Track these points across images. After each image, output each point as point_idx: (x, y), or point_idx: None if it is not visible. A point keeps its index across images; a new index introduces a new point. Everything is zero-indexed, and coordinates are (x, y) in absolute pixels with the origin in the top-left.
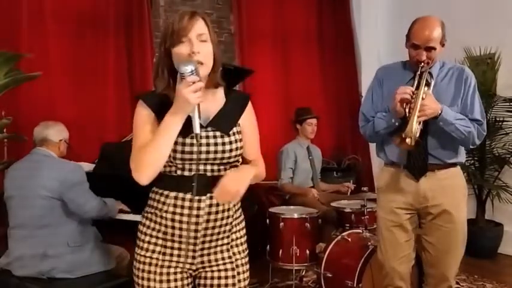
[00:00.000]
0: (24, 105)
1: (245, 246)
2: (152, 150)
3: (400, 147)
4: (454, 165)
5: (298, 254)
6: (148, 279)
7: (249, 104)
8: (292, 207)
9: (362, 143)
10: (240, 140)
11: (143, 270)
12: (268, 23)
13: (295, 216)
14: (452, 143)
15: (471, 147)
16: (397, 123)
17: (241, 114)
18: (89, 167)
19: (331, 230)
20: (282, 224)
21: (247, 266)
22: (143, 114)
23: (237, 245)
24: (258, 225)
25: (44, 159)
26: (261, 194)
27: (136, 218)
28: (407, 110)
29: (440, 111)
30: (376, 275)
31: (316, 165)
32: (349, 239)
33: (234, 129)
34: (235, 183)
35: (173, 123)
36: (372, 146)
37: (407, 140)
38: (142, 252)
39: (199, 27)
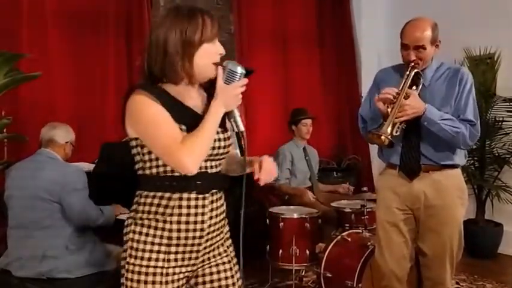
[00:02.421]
0: (24, 105)
1: (230, 240)
2: (204, 139)
3: (374, 142)
4: (450, 167)
5: (298, 254)
6: None
7: None
8: (292, 207)
9: (362, 143)
10: (230, 138)
11: (146, 282)
12: (268, 23)
13: (295, 216)
14: (446, 144)
15: (463, 148)
16: (384, 123)
17: None
18: (88, 167)
19: (331, 230)
20: (281, 224)
21: (235, 258)
22: (160, 108)
23: (228, 238)
24: (258, 225)
25: (47, 160)
26: (260, 194)
27: None
28: (389, 110)
29: (424, 111)
30: (374, 271)
31: (313, 166)
32: (349, 239)
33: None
34: (272, 164)
35: (219, 114)
36: (372, 146)
37: (382, 137)
38: (144, 263)
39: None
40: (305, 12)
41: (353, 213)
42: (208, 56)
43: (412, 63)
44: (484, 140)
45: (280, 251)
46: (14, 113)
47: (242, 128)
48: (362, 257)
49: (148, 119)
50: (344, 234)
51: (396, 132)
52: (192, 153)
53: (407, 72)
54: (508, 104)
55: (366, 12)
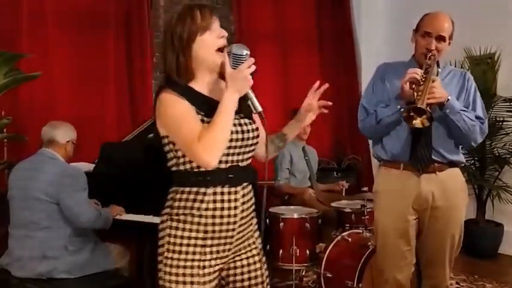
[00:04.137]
0: (24, 105)
1: (258, 231)
2: (219, 131)
3: (409, 124)
4: (454, 165)
5: (298, 254)
6: (192, 283)
7: None
8: (292, 207)
9: (362, 143)
10: (258, 128)
11: (184, 275)
12: (268, 23)
13: (295, 216)
14: (454, 139)
15: (473, 144)
16: (402, 109)
17: None
18: (89, 167)
19: (331, 230)
20: (282, 224)
21: (262, 250)
22: (183, 105)
23: (256, 230)
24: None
25: (48, 161)
26: (260, 194)
27: (135, 217)
28: (414, 94)
29: (448, 98)
30: (376, 275)
31: (313, 166)
32: (349, 239)
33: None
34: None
35: (233, 102)
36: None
37: (416, 122)
38: (182, 256)
39: (218, 22)
40: (305, 13)
41: (353, 213)
42: (206, 45)
43: (431, 53)
44: (485, 140)
45: (280, 251)
46: (14, 113)
47: (260, 108)
48: (362, 257)
49: (172, 116)
50: (344, 234)
51: (427, 108)
52: (208, 148)
53: (428, 61)
54: (508, 104)
55: (366, 12)
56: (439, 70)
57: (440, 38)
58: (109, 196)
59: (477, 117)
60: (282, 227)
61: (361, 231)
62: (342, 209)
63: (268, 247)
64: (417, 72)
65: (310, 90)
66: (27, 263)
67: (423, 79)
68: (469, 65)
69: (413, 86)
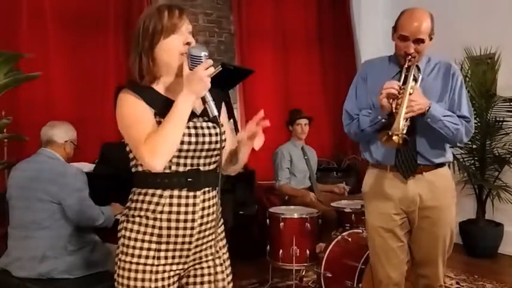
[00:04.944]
0: (24, 105)
1: (225, 240)
2: (166, 136)
3: (386, 145)
4: (441, 165)
5: (298, 254)
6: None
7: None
8: (292, 207)
9: None
10: (224, 132)
11: (135, 279)
12: (268, 23)
13: (295, 216)
14: (440, 142)
15: (458, 144)
16: (383, 120)
17: (221, 108)
18: (89, 167)
19: (331, 230)
20: (282, 224)
21: (229, 260)
22: (139, 103)
23: (221, 239)
24: (258, 225)
25: (47, 160)
26: (260, 194)
27: None
28: (393, 106)
29: (428, 108)
30: (373, 281)
31: (312, 166)
32: (349, 239)
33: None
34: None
35: (187, 105)
36: None
37: (395, 138)
38: (134, 260)
39: (189, 27)
40: (305, 12)
41: (353, 213)
42: (168, 49)
43: (410, 57)
44: (485, 140)
45: (281, 251)
46: (14, 113)
47: (215, 112)
48: (362, 257)
49: (125, 117)
50: (344, 234)
51: (403, 130)
52: (153, 151)
53: (407, 66)
54: (508, 104)
55: (366, 12)
56: (420, 75)
57: (419, 41)
58: (109, 196)
59: (462, 117)
60: (282, 227)
61: (361, 231)
62: (342, 209)
63: (268, 247)
64: (394, 86)
65: (254, 119)
66: (27, 263)
67: (401, 91)
68: (469, 65)
69: (391, 100)
